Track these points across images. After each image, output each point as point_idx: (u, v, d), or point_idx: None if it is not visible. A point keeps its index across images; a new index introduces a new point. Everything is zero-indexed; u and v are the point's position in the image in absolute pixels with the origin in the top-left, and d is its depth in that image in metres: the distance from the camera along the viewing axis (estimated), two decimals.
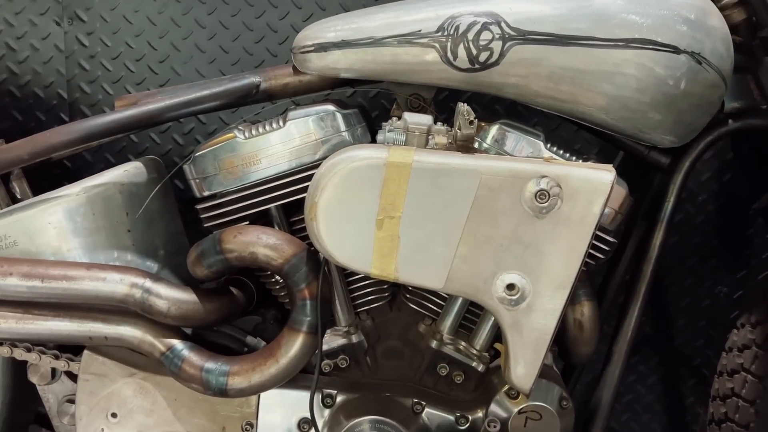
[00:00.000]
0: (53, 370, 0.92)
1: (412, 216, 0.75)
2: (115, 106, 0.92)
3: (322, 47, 0.84)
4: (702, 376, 1.46)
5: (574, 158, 0.84)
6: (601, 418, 0.94)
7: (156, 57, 1.29)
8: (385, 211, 0.75)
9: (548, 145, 0.84)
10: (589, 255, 0.86)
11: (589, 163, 0.79)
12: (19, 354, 0.89)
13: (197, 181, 0.87)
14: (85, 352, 0.88)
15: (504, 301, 0.76)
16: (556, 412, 0.86)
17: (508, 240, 0.75)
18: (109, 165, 1.30)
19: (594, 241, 0.85)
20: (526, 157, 0.81)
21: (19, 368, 0.96)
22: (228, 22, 1.28)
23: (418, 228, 0.75)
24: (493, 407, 0.88)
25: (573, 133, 1.30)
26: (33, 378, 0.92)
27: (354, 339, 0.93)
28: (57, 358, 0.90)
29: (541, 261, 0.75)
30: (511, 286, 0.76)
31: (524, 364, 0.78)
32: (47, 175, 1.09)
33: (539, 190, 0.73)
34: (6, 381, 0.96)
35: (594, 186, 0.73)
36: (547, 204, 0.73)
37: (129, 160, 1.29)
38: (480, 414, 0.90)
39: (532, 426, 0.86)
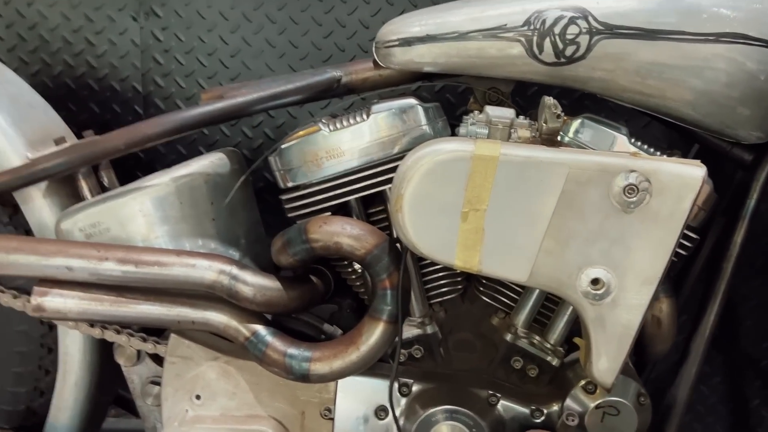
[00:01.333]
0: (138, 352, 0.96)
1: (497, 209, 0.76)
2: (202, 98, 0.95)
3: (407, 42, 0.85)
4: None
5: (658, 153, 0.84)
6: (677, 416, 0.93)
7: (227, 51, 1.32)
8: (470, 203, 0.76)
9: (632, 140, 0.84)
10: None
11: (677, 158, 0.78)
12: (110, 336, 0.93)
13: (282, 172, 0.90)
14: (172, 335, 0.91)
15: (588, 295, 0.77)
16: (634, 408, 0.86)
17: (594, 234, 0.75)
18: (181, 157, 1.34)
19: None
20: (613, 152, 0.81)
21: (105, 349, 1.00)
22: (298, 17, 1.30)
23: (503, 221, 0.76)
24: (569, 402, 0.88)
25: (641, 128, 1.28)
26: (120, 359, 0.96)
27: (428, 330, 0.94)
28: (144, 340, 0.93)
29: (627, 256, 0.75)
30: (596, 281, 0.76)
31: (607, 358, 0.78)
32: (122, 166, 1.13)
33: (628, 185, 0.73)
34: (93, 361, 1.00)
35: (684, 181, 0.73)
36: (635, 199, 0.73)
37: (200, 152, 1.33)
38: (555, 408, 0.90)
39: (610, 421, 0.86)
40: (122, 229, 0.90)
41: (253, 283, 0.86)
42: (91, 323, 0.92)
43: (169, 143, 1.36)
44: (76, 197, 0.95)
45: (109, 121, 1.37)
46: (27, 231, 0.97)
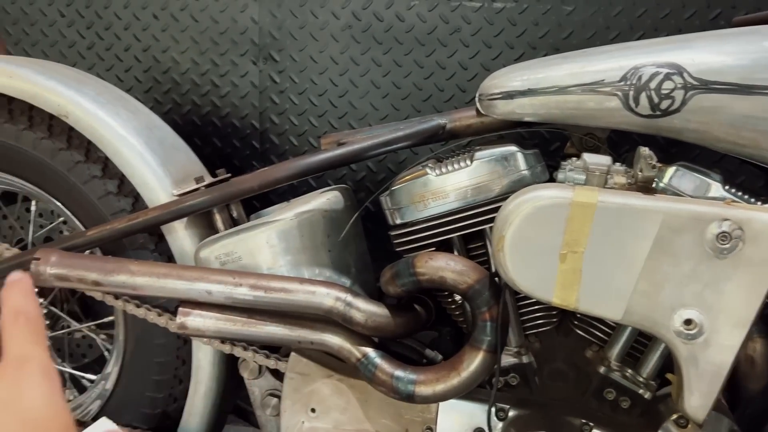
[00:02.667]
0: (260, 367, 1.08)
1: (594, 252, 0.82)
2: (322, 143, 1.06)
3: (509, 95, 0.93)
4: None
5: (753, 200, 0.87)
6: None
7: (336, 92, 1.45)
8: (568, 246, 0.83)
9: (726, 187, 0.88)
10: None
11: None
12: (238, 351, 1.05)
13: (391, 210, 1.00)
14: (292, 353, 1.03)
15: (681, 334, 0.81)
16: None
17: (687, 278, 0.80)
18: (310, 186, 1.47)
19: None
20: (706, 199, 0.85)
21: (231, 363, 1.13)
22: (401, 60, 1.41)
23: (600, 263, 0.82)
24: None
25: (740, 165, 1.29)
26: (244, 373, 1.09)
27: (524, 359, 1.01)
28: (267, 357, 1.05)
29: (720, 299, 0.79)
30: (688, 321, 0.81)
31: (699, 395, 0.82)
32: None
33: (721, 233, 0.78)
34: (221, 373, 1.13)
35: None
36: (728, 245, 0.78)
37: (328, 184, 1.45)
38: None
39: None
40: (251, 258, 1.02)
41: (365, 309, 0.96)
42: (223, 340, 1.05)
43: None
44: (211, 229, 1.09)
45: (229, 154, 1.53)
46: (170, 258, 1.11)
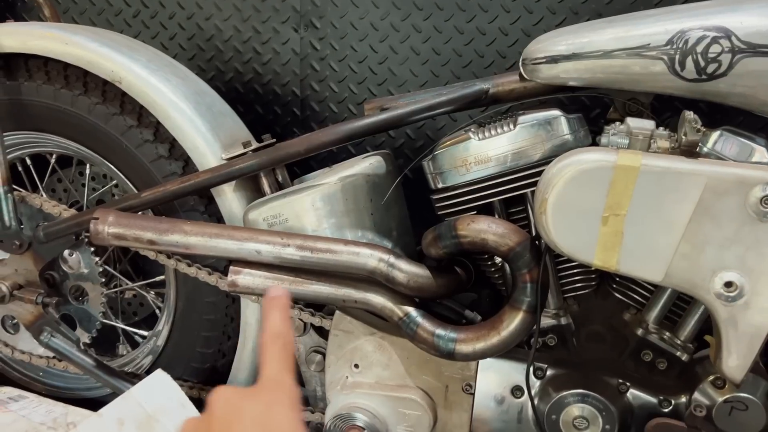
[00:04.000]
0: (305, 325, 1.13)
1: (636, 214, 0.83)
2: (365, 109, 1.09)
3: (553, 59, 0.93)
4: None
5: None
6: None
7: (376, 59, 1.46)
8: (610, 209, 0.84)
9: None
10: None
11: None
12: None
13: (434, 174, 1.02)
14: (337, 311, 1.07)
15: (721, 297, 0.83)
16: (762, 405, 0.91)
17: (729, 241, 0.81)
18: (349, 153, 1.50)
19: None
20: (751, 163, 0.85)
21: None
22: (441, 26, 1.41)
23: (642, 225, 0.83)
24: (698, 395, 0.94)
25: None
26: None
27: (563, 321, 1.03)
28: (312, 314, 1.09)
29: (761, 262, 0.80)
30: (729, 284, 0.82)
31: (737, 356, 0.84)
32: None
33: (765, 196, 0.78)
34: None
35: None
36: None
37: (367, 150, 1.47)
38: (683, 399, 0.97)
39: (737, 416, 0.91)
40: (297, 220, 1.05)
41: (407, 270, 0.99)
42: None
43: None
44: (258, 192, 1.13)
45: (271, 121, 1.56)
46: (218, 219, 1.15)
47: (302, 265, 1.01)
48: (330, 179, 1.05)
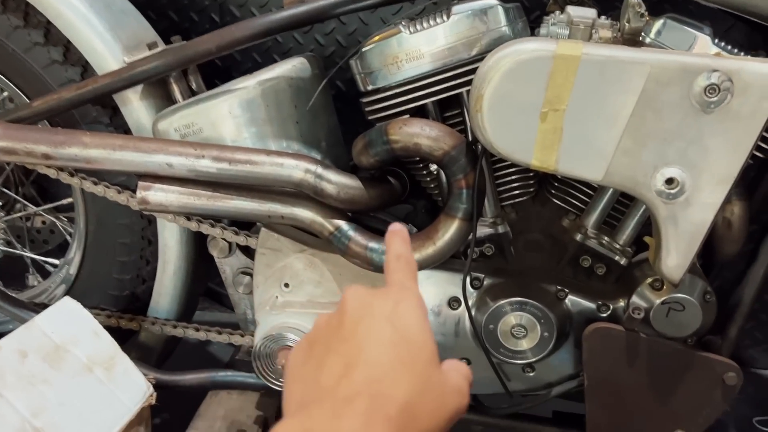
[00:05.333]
0: (230, 245, 1.05)
1: (576, 109, 0.78)
2: (285, 3, 0.97)
3: None
4: None
5: (742, 53, 0.83)
6: (741, 315, 0.96)
7: None
8: (550, 103, 0.78)
9: (716, 41, 0.83)
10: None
11: (760, 58, 0.78)
12: (205, 229, 1.01)
13: (362, 75, 0.93)
14: (263, 229, 0.99)
15: (662, 194, 0.79)
16: (699, 305, 0.90)
17: (672, 134, 0.77)
18: (257, 65, 1.38)
19: None
20: (695, 52, 0.80)
21: (200, 243, 1.10)
22: None
23: (582, 121, 0.78)
24: (636, 298, 0.92)
25: (724, 33, 1.24)
26: (213, 251, 1.05)
27: (500, 229, 0.99)
28: (237, 233, 1.02)
29: (704, 156, 0.76)
30: (670, 180, 0.78)
31: (677, 255, 0.81)
32: (201, 74, 1.18)
33: (709, 85, 0.74)
34: (189, 253, 1.10)
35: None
36: (716, 99, 0.74)
37: (275, 60, 1.36)
38: (621, 304, 0.95)
39: (675, 316, 0.90)
40: (214, 130, 0.96)
41: (337, 181, 0.92)
42: (189, 217, 1.01)
43: (245, 51, 1.40)
44: (169, 100, 1.02)
45: (187, 29, 1.41)
46: (126, 131, 1.04)
47: (220, 178, 0.93)
48: (248, 83, 0.95)
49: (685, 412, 0.93)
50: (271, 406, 1.08)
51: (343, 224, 0.94)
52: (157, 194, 0.94)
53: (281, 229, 0.99)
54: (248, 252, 1.05)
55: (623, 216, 0.96)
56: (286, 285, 1.00)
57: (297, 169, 0.91)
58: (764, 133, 0.85)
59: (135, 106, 1.01)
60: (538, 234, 1.02)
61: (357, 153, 0.93)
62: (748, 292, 0.96)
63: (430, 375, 0.42)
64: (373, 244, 0.93)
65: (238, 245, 1.04)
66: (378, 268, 0.93)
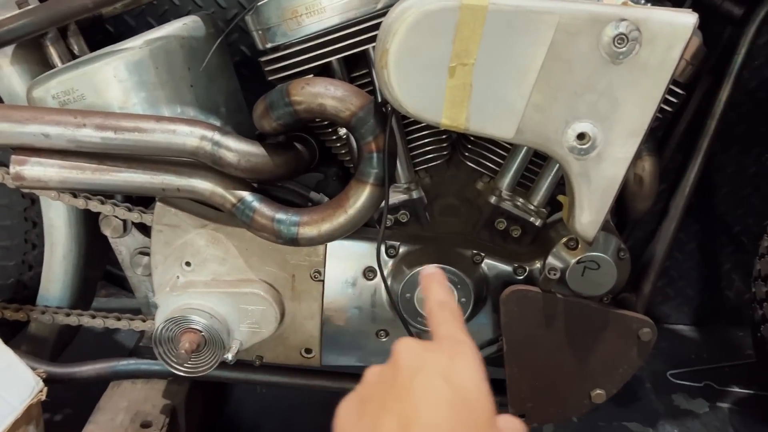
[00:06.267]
0: (125, 223, 0.96)
1: (485, 63, 0.74)
2: None
3: None
4: (740, 243, 1.49)
5: (650, 4, 0.81)
6: (654, 271, 0.97)
7: None
8: (458, 57, 0.74)
9: None
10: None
11: (668, 7, 0.76)
12: (94, 206, 0.92)
13: (260, 32, 0.86)
14: (157, 203, 0.91)
15: (574, 150, 0.77)
16: (613, 263, 0.89)
17: (582, 87, 0.74)
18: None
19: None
20: (604, 2, 0.78)
21: (91, 222, 1.00)
22: None
23: (492, 75, 0.74)
24: (551, 258, 0.91)
25: None
26: (106, 231, 0.96)
27: (414, 195, 0.95)
28: (130, 210, 0.93)
29: (614, 109, 0.75)
30: (582, 135, 0.76)
31: (590, 212, 0.79)
32: (91, 40, 1.07)
33: (618, 34, 0.72)
34: (80, 233, 1.00)
35: (675, 29, 0.71)
36: (625, 49, 0.72)
37: None
38: (537, 265, 0.93)
39: (590, 275, 0.89)
40: (98, 96, 0.87)
41: (237, 149, 0.85)
42: (74, 193, 0.91)
43: (139, 16, 1.29)
44: (46, 65, 0.91)
45: None
46: None
47: (106, 149, 0.84)
48: (135, 43, 0.87)
49: (603, 371, 0.93)
50: (180, 393, 1.01)
51: (246, 195, 0.87)
52: (34, 169, 0.84)
53: (179, 203, 0.92)
54: (146, 230, 0.97)
55: (537, 176, 0.94)
56: (188, 264, 0.93)
57: (192, 136, 0.84)
58: (673, 87, 0.85)
59: (5, 72, 0.90)
60: (454, 198, 0.98)
61: (258, 117, 0.86)
62: (660, 249, 0.97)
63: None
64: (280, 215, 0.87)
65: (133, 223, 0.96)
66: (286, 241, 0.87)
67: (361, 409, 0.42)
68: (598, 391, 0.94)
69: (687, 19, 0.71)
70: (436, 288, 0.51)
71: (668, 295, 1.56)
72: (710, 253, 1.51)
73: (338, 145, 0.95)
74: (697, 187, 0.95)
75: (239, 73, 1.04)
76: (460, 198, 0.98)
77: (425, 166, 0.96)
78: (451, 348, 0.44)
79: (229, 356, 0.90)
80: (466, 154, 0.96)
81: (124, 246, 0.99)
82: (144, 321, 0.99)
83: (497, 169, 0.95)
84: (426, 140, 0.94)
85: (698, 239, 1.50)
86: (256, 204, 0.87)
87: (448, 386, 0.40)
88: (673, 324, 1.59)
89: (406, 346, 0.44)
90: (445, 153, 0.96)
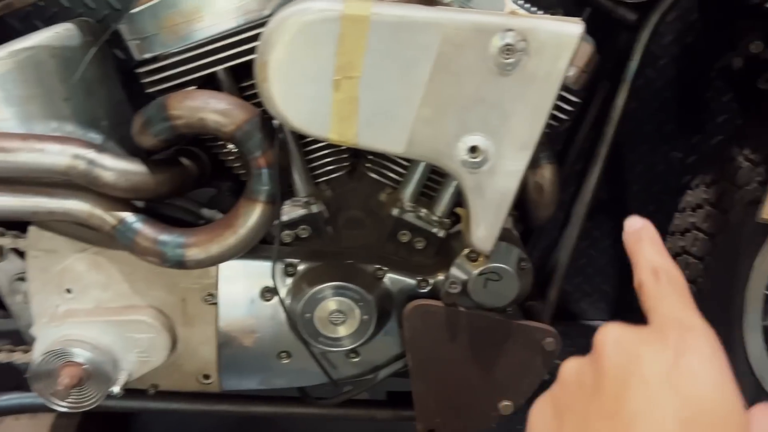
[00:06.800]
0: (0, 248, 0.89)
1: (371, 76, 0.71)
2: None
3: None
4: None
5: (540, 12, 0.80)
6: (558, 278, 0.97)
7: None
8: (342, 70, 0.71)
9: (520, 1, 0.79)
10: (552, 116, 0.84)
11: (556, 16, 0.75)
12: None
13: (136, 42, 0.80)
14: (31, 227, 0.84)
15: (466, 164, 0.75)
16: (515, 273, 0.87)
17: (471, 100, 0.72)
18: (17, 35, 1.18)
19: (558, 102, 0.83)
20: (490, 11, 0.76)
21: None
22: None
23: (378, 89, 0.71)
24: (454, 270, 0.88)
25: None
26: None
27: (314, 209, 0.91)
28: (2, 235, 0.86)
29: (504, 121, 0.73)
30: (473, 149, 0.74)
31: (485, 226, 0.78)
32: None
33: (505, 45, 0.69)
34: None
35: (561, 40, 0.70)
36: (512, 60, 0.70)
37: (37, 28, 1.17)
38: (441, 277, 0.91)
39: (492, 287, 0.88)
40: None
41: (115, 167, 0.79)
42: None
43: (26, 19, 1.20)
44: None
45: None
46: None
47: None
48: None
49: (509, 382, 0.92)
50: (69, 427, 0.95)
51: (127, 216, 0.82)
52: None
53: (56, 226, 0.85)
54: (24, 255, 0.89)
55: (440, 186, 0.92)
56: (68, 291, 0.86)
57: (62, 155, 0.77)
58: (567, 95, 0.84)
59: None
60: (358, 211, 0.95)
61: (137, 133, 0.80)
62: (563, 255, 0.96)
63: None
64: (164, 237, 0.81)
65: (9, 248, 0.88)
66: (173, 264, 0.82)
67: (557, 420, 0.34)
68: (506, 403, 0.92)
69: (573, 29, 0.70)
70: (647, 248, 0.38)
71: (585, 291, 1.58)
72: (624, 251, 1.53)
73: (231, 158, 0.90)
74: (598, 192, 0.95)
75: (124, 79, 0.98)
76: (364, 210, 0.95)
77: (326, 178, 0.92)
78: (678, 338, 0.32)
79: (116, 389, 0.84)
80: (368, 165, 0.93)
81: (1, 272, 0.91)
82: (26, 352, 0.92)
83: (400, 179, 0.92)
84: (325, 152, 0.90)
85: (612, 236, 1.52)
86: (138, 225, 0.81)
87: (675, 396, 0.30)
88: (591, 320, 1.61)
89: (612, 337, 0.33)
90: (346, 164, 0.92)
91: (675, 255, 1.04)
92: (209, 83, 0.83)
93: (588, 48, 0.82)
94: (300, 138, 0.87)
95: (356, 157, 0.93)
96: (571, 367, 0.35)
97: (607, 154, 0.93)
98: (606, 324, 0.34)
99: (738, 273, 1.01)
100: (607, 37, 0.95)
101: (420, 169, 0.90)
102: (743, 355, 1.07)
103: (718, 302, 1.04)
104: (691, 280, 1.02)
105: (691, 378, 0.30)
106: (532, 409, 0.36)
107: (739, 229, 0.97)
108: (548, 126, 0.85)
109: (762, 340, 1.07)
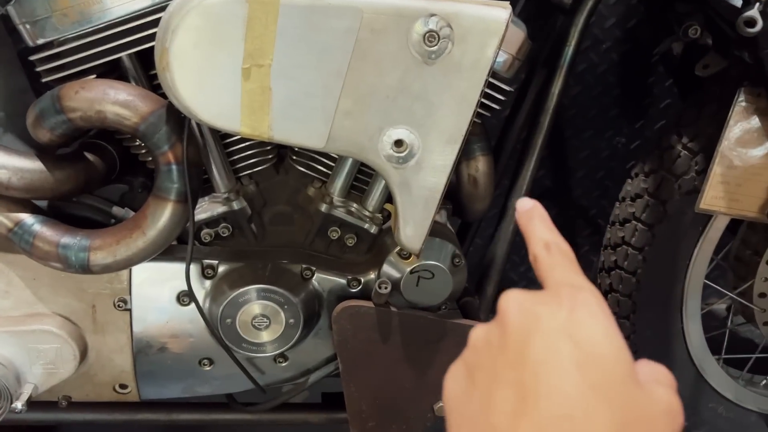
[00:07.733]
0: None
1: (284, 64, 0.65)
2: None
3: None
4: (597, 226, 1.50)
5: None
6: (496, 272, 0.93)
7: None
8: (251, 58, 0.65)
9: None
10: (484, 106, 0.80)
11: (484, 0, 0.70)
12: None
13: (27, 26, 0.72)
14: None
15: (392, 159, 0.70)
16: (448, 270, 0.83)
17: (394, 90, 0.67)
18: None
19: (489, 91, 0.79)
20: None
21: None
22: None
23: (293, 78, 0.66)
24: (386, 268, 0.84)
25: None
26: None
27: (235, 206, 0.85)
28: None
29: (430, 113, 0.68)
30: (399, 143, 0.69)
31: (414, 223, 0.73)
32: None
33: (428, 31, 0.64)
34: None
35: (487, 25, 0.65)
36: (436, 47, 0.65)
37: None
38: (372, 276, 0.87)
39: (424, 285, 0.84)
40: None
41: (6, 165, 0.72)
42: None
43: None
44: None
45: None
46: None
47: None
48: None
49: (443, 383, 0.88)
50: None
51: (25, 218, 0.74)
52: None
53: None
54: None
55: (371, 180, 0.87)
56: None
57: None
58: (499, 84, 0.79)
59: None
60: (285, 206, 0.89)
61: (31, 127, 0.73)
62: (500, 249, 0.92)
63: (631, 398, 0.32)
64: (66, 240, 0.74)
65: None
66: (77, 269, 0.75)
67: (470, 381, 0.36)
68: (441, 404, 0.89)
69: (500, 14, 0.65)
70: (538, 226, 0.42)
71: (532, 279, 1.56)
72: (568, 237, 1.50)
73: (143, 152, 0.83)
74: (537, 181, 0.91)
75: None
76: (291, 205, 0.89)
77: (248, 171, 0.86)
78: (570, 297, 0.36)
79: (19, 405, 0.77)
80: (294, 157, 0.87)
81: None
82: None
83: (329, 172, 0.86)
84: (246, 143, 0.84)
85: (556, 224, 1.49)
86: (36, 227, 0.74)
87: (571, 344, 0.33)
88: None
89: (514, 301, 0.37)
90: (270, 157, 0.86)
91: (615, 245, 1.02)
92: (114, 71, 0.76)
93: (520, 33, 0.77)
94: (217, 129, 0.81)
95: (283, 148, 0.87)
96: (479, 332, 0.38)
97: (543, 143, 0.89)
98: (507, 291, 0.38)
99: (677, 263, 1.00)
100: (544, 22, 0.91)
101: (350, 162, 0.85)
102: (683, 344, 1.06)
103: (658, 292, 1.02)
104: (631, 271, 1.00)
105: (583, 328, 0.34)
106: (446, 375, 0.38)
107: (678, 219, 0.95)
108: (479, 116, 0.81)
109: (701, 329, 1.06)
